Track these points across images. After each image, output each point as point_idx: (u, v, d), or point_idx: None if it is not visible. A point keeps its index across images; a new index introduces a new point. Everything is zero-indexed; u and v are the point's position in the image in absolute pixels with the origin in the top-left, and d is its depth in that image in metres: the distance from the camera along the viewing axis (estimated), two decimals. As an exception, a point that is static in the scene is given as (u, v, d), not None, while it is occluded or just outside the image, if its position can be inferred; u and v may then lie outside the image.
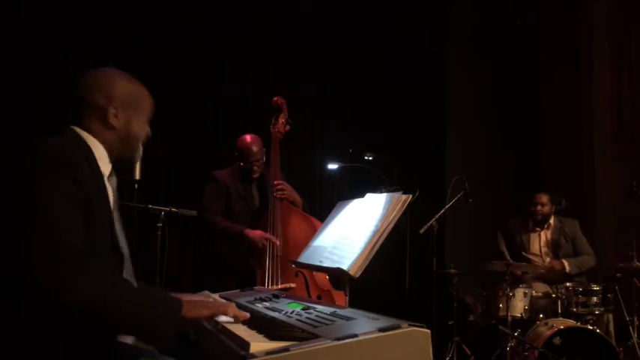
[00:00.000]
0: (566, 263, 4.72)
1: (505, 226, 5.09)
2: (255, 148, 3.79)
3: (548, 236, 4.91)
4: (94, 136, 1.78)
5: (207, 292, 2.19)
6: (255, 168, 3.80)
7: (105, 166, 1.79)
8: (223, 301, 1.83)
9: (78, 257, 1.49)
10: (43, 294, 1.45)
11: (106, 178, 1.78)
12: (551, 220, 4.93)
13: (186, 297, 1.76)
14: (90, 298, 1.47)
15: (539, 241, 4.91)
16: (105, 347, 1.66)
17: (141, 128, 1.88)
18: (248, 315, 1.71)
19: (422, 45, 6.10)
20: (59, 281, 1.45)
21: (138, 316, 1.53)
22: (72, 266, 1.47)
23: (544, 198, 4.88)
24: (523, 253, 4.84)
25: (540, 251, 4.89)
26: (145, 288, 1.74)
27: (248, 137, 3.85)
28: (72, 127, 1.78)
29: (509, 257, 4.84)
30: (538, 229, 4.93)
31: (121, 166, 1.89)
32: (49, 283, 1.44)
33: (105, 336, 1.67)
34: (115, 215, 1.81)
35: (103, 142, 1.79)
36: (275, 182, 3.70)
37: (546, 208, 4.87)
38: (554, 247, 4.86)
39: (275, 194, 3.68)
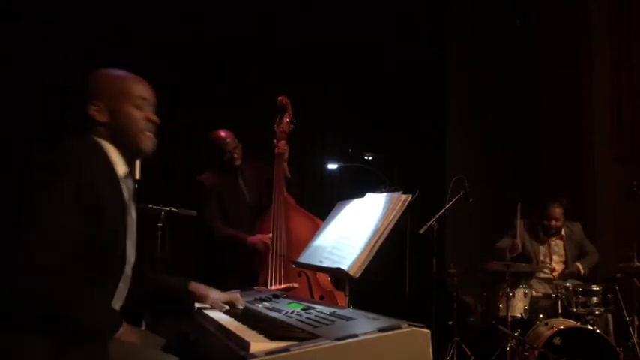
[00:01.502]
0: (580, 266, 4.75)
1: (513, 225, 4.87)
2: (228, 139, 3.94)
3: (559, 245, 4.89)
4: (101, 137, 1.80)
5: (238, 295, 2.19)
6: (235, 155, 3.93)
7: (120, 167, 1.81)
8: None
9: (55, 265, 1.54)
10: (16, 295, 1.54)
11: (121, 180, 1.80)
12: (563, 231, 4.90)
13: (212, 294, 1.97)
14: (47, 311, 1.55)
15: (549, 249, 4.89)
16: (104, 345, 1.66)
17: (129, 115, 1.82)
18: None
19: (422, 45, 6.10)
20: (26, 291, 1.53)
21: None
22: (45, 273, 1.53)
23: (558, 212, 4.79)
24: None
25: (550, 259, 4.88)
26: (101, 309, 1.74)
27: (219, 131, 3.98)
28: (89, 134, 1.81)
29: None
30: (548, 239, 4.90)
31: (143, 163, 1.93)
32: (22, 286, 1.53)
33: (105, 334, 1.67)
34: (129, 219, 1.84)
35: (109, 141, 1.80)
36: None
37: (560, 222, 4.81)
38: (565, 254, 4.87)
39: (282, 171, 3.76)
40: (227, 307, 2.07)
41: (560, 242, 4.92)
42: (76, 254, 1.59)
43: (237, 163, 3.95)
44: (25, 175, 1.63)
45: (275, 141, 3.84)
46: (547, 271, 4.84)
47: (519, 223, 4.71)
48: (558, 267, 4.86)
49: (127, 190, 1.83)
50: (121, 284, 1.84)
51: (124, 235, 1.80)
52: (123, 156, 1.83)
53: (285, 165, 3.84)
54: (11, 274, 1.52)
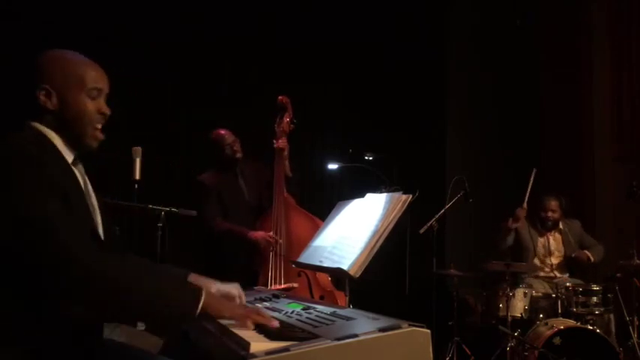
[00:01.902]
0: (589, 253, 4.76)
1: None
2: (226, 135, 3.96)
3: (557, 239, 4.91)
4: (47, 126, 1.67)
5: (237, 285, 2.14)
6: (235, 148, 3.94)
7: (67, 154, 1.69)
8: (250, 308, 1.71)
9: (87, 246, 1.47)
10: (63, 290, 1.43)
11: (73, 167, 1.70)
12: (561, 225, 4.93)
13: (213, 287, 1.73)
14: (104, 284, 1.45)
15: (548, 243, 4.90)
16: (91, 346, 1.64)
17: (79, 104, 1.67)
18: (277, 323, 1.61)
19: (422, 45, 6.10)
20: (77, 272, 1.42)
21: (150, 305, 1.49)
22: (83, 255, 1.44)
23: (554, 204, 4.85)
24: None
25: (550, 254, 4.88)
26: (160, 272, 1.65)
27: (218, 129, 4.00)
28: (30, 122, 1.69)
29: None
30: (546, 232, 4.91)
31: (83, 157, 1.76)
32: (67, 276, 1.42)
33: (91, 333, 1.65)
34: (92, 201, 1.74)
35: (54, 130, 1.68)
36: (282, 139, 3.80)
37: (557, 214, 4.86)
38: (564, 249, 4.88)
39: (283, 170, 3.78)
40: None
41: (558, 237, 4.93)
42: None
43: (238, 155, 3.96)
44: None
45: (275, 140, 3.84)
46: (547, 269, 4.84)
47: (529, 190, 4.75)
48: (557, 262, 4.86)
49: (80, 175, 1.73)
50: None
51: (92, 220, 1.72)
52: (67, 145, 1.70)
53: (287, 163, 3.85)
54: (44, 265, 1.43)
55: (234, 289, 1.95)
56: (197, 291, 1.56)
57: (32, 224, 1.47)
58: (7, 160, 1.52)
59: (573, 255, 4.80)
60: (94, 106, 1.70)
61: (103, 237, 1.74)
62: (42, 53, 1.72)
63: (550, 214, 4.84)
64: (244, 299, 1.98)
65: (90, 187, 1.76)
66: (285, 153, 3.84)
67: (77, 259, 1.44)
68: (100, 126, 1.72)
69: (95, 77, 1.71)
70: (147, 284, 1.51)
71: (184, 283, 1.62)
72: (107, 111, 1.73)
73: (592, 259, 4.74)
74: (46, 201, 1.48)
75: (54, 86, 1.66)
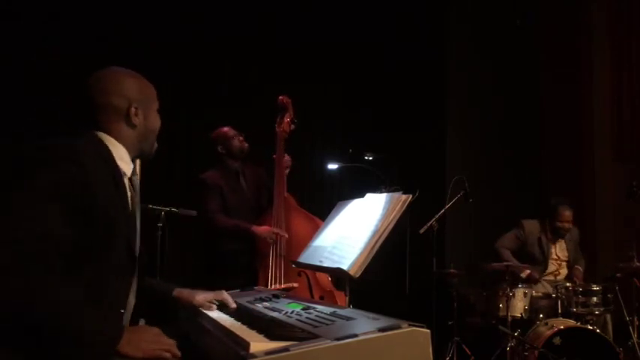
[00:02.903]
0: (581, 269, 4.84)
1: (520, 225, 4.93)
2: (230, 130, 3.96)
3: (564, 245, 4.93)
4: (115, 138, 1.80)
5: (224, 292, 2.16)
6: (242, 140, 3.95)
7: (126, 166, 1.81)
8: (169, 341, 1.66)
9: (28, 260, 1.44)
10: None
11: (126, 179, 1.79)
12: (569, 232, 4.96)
13: (198, 296, 1.90)
14: (24, 306, 1.43)
15: (555, 249, 4.91)
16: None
17: (156, 120, 1.91)
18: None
19: (422, 45, 6.10)
20: (14, 291, 1.42)
21: (71, 342, 1.48)
22: (17, 269, 1.43)
23: (569, 214, 4.83)
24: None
25: (558, 258, 4.90)
26: (88, 312, 1.56)
27: (220, 128, 4.01)
28: (94, 131, 1.79)
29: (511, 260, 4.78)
30: (555, 238, 4.92)
31: (143, 163, 1.95)
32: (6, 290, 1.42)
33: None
34: (134, 218, 1.83)
35: (123, 142, 1.81)
36: (285, 159, 3.84)
37: (571, 224, 4.86)
38: (569, 254, 4.92)
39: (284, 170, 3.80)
40: (216, 305, 2.07)
41: (563, 244, 4.94)
42: (55, 254, 1.50)
43: (246, 146, 3.97)
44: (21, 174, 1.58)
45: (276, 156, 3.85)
46: (551, 276, 4.84)
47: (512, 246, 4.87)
48: (562, 269, 4.88)
49: (132, 188, 1.82)
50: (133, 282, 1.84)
51: (130, 233, 1.77)
52: (130, 154, 1.84)
53: (284, 179, 3.83)
54: None
55: (219, 295, 2.05)
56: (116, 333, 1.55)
57: (11, 233, 1.46)
58: (41, 160, 1.58)
59: (562, 270, 4.86)
60: (160, 121, 1.94)
61: (137, 254, 1.81)
62: (122, 74, 1.85)
63: (566, 224, 4.83)
64: (232, 302, 2.05)
65: (138, 202, 1.87)
66: (287, 166, 3.86)
67: (15, 273, 1.42)
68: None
69: (155, 94, 1.93)
70: (66, 320, 1.48)
71: (105, 327, 1.57)
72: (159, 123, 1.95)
73: (579, 279, 4.75)
74: (43, 215, 1.49)
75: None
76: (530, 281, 4.57)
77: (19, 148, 1.67)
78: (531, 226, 4.90)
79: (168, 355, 1.61)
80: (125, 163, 1.81)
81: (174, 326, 2.04)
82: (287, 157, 3.88)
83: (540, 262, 4.81)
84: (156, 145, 1.96)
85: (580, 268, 4.86)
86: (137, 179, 1.87)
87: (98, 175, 1.63)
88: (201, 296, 2.08)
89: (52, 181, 1.54)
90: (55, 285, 1.48)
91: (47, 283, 1.47)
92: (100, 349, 1.51)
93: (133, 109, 1.81)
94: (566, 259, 4.91)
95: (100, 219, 1.61)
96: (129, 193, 1.80)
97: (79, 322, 1.49)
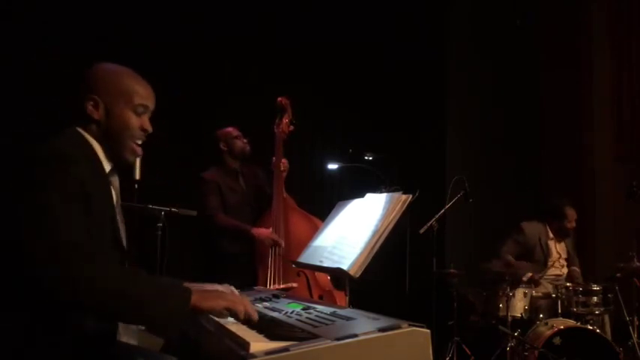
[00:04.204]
0: (578, 270, 4.83)
1: (520, 229, 4.92)
2: (234, 131, 4.00)
3: (565, 246, 4.95)
4: (89, 134, 1.73)
5: (232, 287, 2.15)
6: (245, 142, 3.99)
7: (106, 164, 1.75)
8: (239, 297, 1.72)
9: (79, 249, 1.45)
10: (47, 288, 1.42)
11: (108, 177, 1.75)
12: None
13: (196, 286, 1.72)
14: (92, 288, 1.43)
15: (556, 248, 4.93)
16: (105, 347, 1.65)
17: (125, 119, 1.74)
18: (256, 317, 1.64)
19: (422, 45, 6.10)
20: (62, 273, 1.41)
21: (142, 307, 1.49)
22: (74, 258, 1.43)
23: (575, 214, 4.86)
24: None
25: (560, 257, 4.91)
26: (151, 278, 1.65)
27: (224, 128, 4.04)
28: (74, 127, 1.74)
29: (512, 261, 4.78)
30: (560, 239, 4.93)
31: (120, 168, 1.81)
32: (52, 275, 1.41)
33: (105, 336, 1.66)
34: (118, 213, 1.78)
35: (96, 139, 1.74)
36: (282, 161, 3.84)
37: (575, 224, 4.88)
38: (568, 253, 4.93)
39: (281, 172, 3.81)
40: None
41: (564, 243, 4.96)
42: (89, 240, 1.52)
43: (248, 148, 4.00)
44: (21, 175, 1.57)
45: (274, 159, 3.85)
46: (554, 277, 4.84)
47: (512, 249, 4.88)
48: (564, 268, 4.89)
49: (113, 186, 1.79)
50: None
51: (117, 230, 1.76)
52: (106, 155, 1.76)
53: (283, 180, 3.84)
54: (33, 265, 1.42)
55: (226, 289, 1.97)
56: (186, 290, 1.57)
57: (37, 215, 1.47)
58: (42, 158, 1.56)
59: (564, 270, 4.85)
60: (138, 122, 1.76)
61: (126, 248, 1.77)
62: (95, 65, 1.78)
63: (573, 224, 4.86)
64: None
65: (119, 200, 1.81)
66: (283, 169, 3.87)
67: (65, 259, 1.43)
68: (140, 142, 1.78)
69: (143, 94, 1.77)
70: (137, 288, 1.51)
71: (173, 286, 1.62)
72: (150, 128, 1.79)
73: (579, 279, 4.74)
74: (62, 200, 1.49)
75: (102, 98, 1.72)
76: (531, 283, 4.57)
77: (17, 148, 1.66)
78: (531, 227, 4.88)
79: (241, 308, 1.61)
80: (104, 161, 1.75)
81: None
82: (284, 161, 3.88)
83: (542, 262, 4.80)
84: (134, 151, 1.78)
85: (577, 269, 4.86)
86: (116, 179, 1.81)
87: (83, 169, 1.61)
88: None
89: (57, 180, 1.53)
90: (103, 264, 1.50)
91: (96, 264, 1.47)
92: (174, 309, 1.53)
93: (90, 101, 1.71)
94: (566, 257, 4.93)
95: (92, 212, 1.59)
96: (112, 190, 1.76)
97: (138, 288, 1.51)
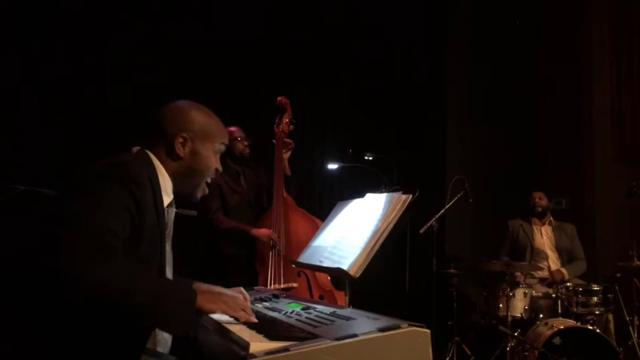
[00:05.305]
0: (565, 272, 4.82)
1: (506, 226, 5.17)
2: (237, 131, 3.98)
3: (549, 232, 5.04)
4: (164, 166, 1.78)
5: (241, 288, 2.15)
6: (246, 143, 3.98)
7: (166, 196, 1.78)
8: (242, 302, 1.75)
9: (106, 249, 1.45)
10: (63, 277, 1.41)
11: (165, 209, 1.76)
12: (550, 217, 5.10)
13: (203, 287, 1.73)
14: (100, 285, 1.42)
15: (542, 235, 5.02)
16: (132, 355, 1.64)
17: (207, 161, 1.82)
18: (255, 320, 1.67)
19: (422, 45, 6.10)
20: (80, 265, 1.41)
21: (150, 306, 1.49)
22: (97, 255, 1.43)
23: (539, 194, 5.12)
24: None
25: (544, 245, 4.96)
26: (159, 279, 1.67)
27: (227, 127, 3.98)
28: (144, 149, 1.78)
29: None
30: (539, 223, 5.05)
31: (181, 201, 1.87)
32: (70, 265, 1.40)
33: (133, 345, 1.64)
34: (168, 245, 1.81)
35: (170, 172, 1.79)
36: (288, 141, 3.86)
37: (544, 201, 5.09)
38: (556, 241, 4.98)
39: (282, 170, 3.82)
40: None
41: (549, 228, 5.06)
42: (121, 248, 1.53)
43: (247, 152, 4.00)
44: (81, 180, 1.59)
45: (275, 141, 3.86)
46: (544, 269, 4.85)
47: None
48: (552, 255, 4.92)
49: (169, 218, 1.81)
50: None
51: (164, 260, 1.77)
52: (173, 185, 1.81)
53: (286, 163, 3.86)
54: (58, 253, 1.41)
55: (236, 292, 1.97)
56: (192, 290, 1.59)
57: (79, 212, 1.48)
58: (102, 172, 1.59)
59: (552, 270, 4.87)
60: (215, 163, 1.86)
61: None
62: (185, 103, 1.85)
63: (537, 200, 5.07)
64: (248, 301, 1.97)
65: (172, 231, 1.84)
66: (287, 155, 3.86)
67: (88, 252, 1.43)
68: (208, 182, 1.87)
69: (223, 137, 1.88)
70: (146, 287, 1.50)
71: (181, 284, 1.64)
72: (220, 169, 1.89)
73: (566, 277, 4.77)
74: (111, 206, 1.52)
75: (192, 136, 1.79)
76: (524, 279, 4.68)
77: (87, 165, 1.64)
78: (514, 221, 5.16)
79: (241, 314, 1.65)
80: (166, 192, 1.78)
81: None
82: (289, 140, 3.89)
83: (526, 246, 4.96)
84: (204, 189, 1.87)
85: (563, 270, 4.83)
86: (173, 212, 1.85)
87: (145, 193, 1.63)
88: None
89: (118, 196, 1.55)
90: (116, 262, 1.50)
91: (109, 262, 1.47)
92: (180, 308, 1.53)
93: (180, 138, 1.77)
94: (553, 243, 4.98)
95: (142, 237, 1.61)
96: (166, 222, 1.78)
97: (149, 284, 1.52)
